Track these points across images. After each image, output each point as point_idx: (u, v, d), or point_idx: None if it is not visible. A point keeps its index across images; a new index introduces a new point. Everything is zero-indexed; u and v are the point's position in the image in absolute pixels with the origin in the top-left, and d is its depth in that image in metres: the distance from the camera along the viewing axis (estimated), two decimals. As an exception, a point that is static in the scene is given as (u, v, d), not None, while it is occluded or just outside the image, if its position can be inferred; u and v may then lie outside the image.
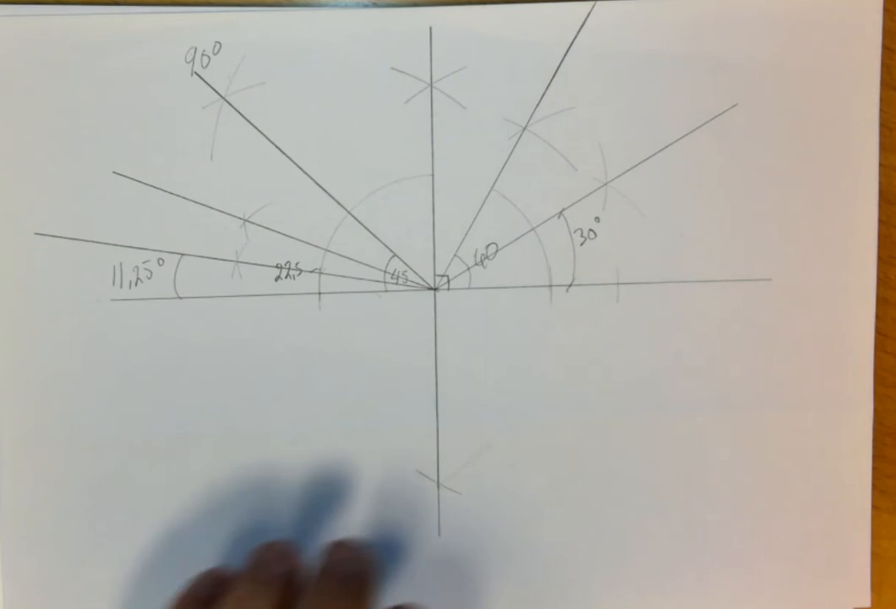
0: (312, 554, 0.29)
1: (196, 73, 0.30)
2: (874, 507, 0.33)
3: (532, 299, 0.31)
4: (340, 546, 0.29)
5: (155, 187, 0.31)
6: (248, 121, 0.30)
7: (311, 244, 0.31)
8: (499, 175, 0.31)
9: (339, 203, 0.31)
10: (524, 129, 0.31)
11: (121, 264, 0.31)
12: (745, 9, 0.31)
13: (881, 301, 0.32)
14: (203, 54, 0.30)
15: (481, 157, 0.31)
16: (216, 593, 0.27)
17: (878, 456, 0.33)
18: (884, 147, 0.31)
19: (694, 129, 0.31)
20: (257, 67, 0.30)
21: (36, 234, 0.31)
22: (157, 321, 0.31)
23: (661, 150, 0.31)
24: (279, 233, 0.31)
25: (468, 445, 0.32)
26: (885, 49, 0.31)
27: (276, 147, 0.31)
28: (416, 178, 0.31)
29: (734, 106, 0.31)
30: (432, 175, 0.31)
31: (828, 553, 0.33)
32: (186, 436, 0.31)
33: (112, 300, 0.31)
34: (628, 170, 0.31)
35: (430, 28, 0.30)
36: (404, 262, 0.31)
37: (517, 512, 0.32)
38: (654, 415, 0.32)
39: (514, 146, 0.31)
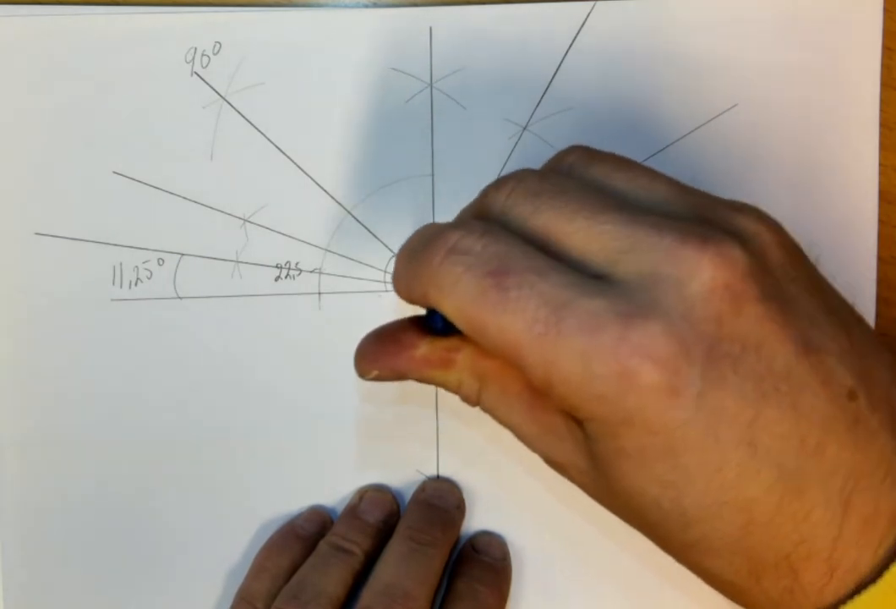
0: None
1: (196, 73, 0.30)
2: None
3: (532, 299, 0.31)
4: (430, 483, 0.31)
5: (155, 187, 0.31)
6: (248, 121, 0.30)
7: (311, 244, 0.31)
8: (499, 175, 0.31)
9: (339, 203, 0.31)
10: (524, 129, 0.31)
11: (121, 264, 0.31)
12: (745, 9, 0.31)
13: (881, 301, 0.32)
14: (203, 54, 0.30)
15: (481, 157, 0.31)
16: (317, 532, 0.30)
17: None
18: (884, 147, 0.31)
19: (694, 129, 0.31)
20: (257, 67, 0.30)
21: (36, 234, 0.31)
22: (157, 321, 0.31)
23: (661, 150, 0.31)
24: (279, 233, 0.31)
25: (468, 445, 0.32)
26: (885, 49, 0.31)
27: (276, 147, 0.31)
28: (416, 178, 0.31)
29: (734, 106, 0.31)
30: (432, 175, 0.31)
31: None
32: (187, 435, 0.31)
33: (112, 300, 0.31)
34: (628, 170, 0.31)
35: (430, 28, 0.30)
36: (404, 262, 0.31)
37: (517, 511, 0.32)
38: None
39: (514, 146, 0.31)
